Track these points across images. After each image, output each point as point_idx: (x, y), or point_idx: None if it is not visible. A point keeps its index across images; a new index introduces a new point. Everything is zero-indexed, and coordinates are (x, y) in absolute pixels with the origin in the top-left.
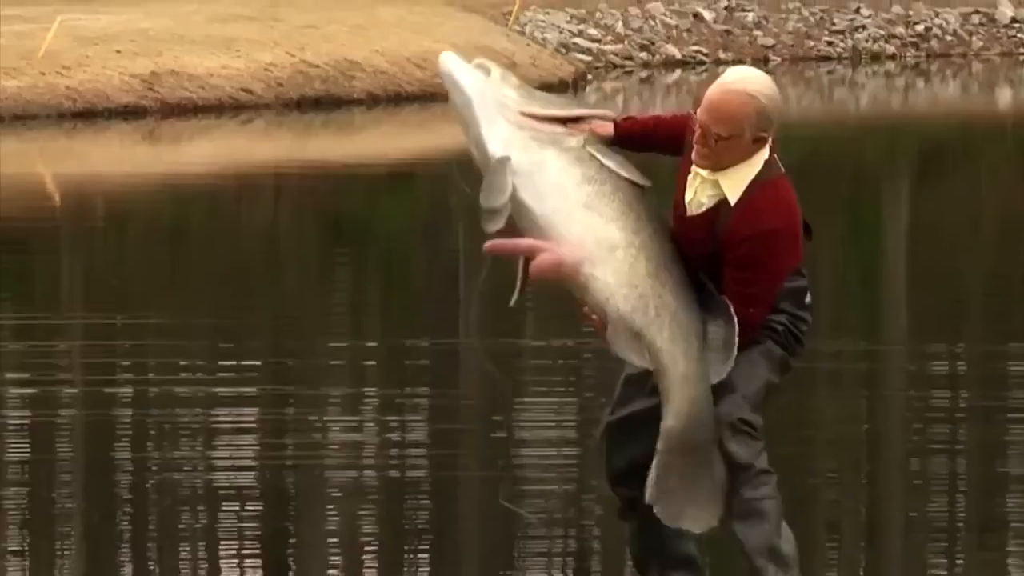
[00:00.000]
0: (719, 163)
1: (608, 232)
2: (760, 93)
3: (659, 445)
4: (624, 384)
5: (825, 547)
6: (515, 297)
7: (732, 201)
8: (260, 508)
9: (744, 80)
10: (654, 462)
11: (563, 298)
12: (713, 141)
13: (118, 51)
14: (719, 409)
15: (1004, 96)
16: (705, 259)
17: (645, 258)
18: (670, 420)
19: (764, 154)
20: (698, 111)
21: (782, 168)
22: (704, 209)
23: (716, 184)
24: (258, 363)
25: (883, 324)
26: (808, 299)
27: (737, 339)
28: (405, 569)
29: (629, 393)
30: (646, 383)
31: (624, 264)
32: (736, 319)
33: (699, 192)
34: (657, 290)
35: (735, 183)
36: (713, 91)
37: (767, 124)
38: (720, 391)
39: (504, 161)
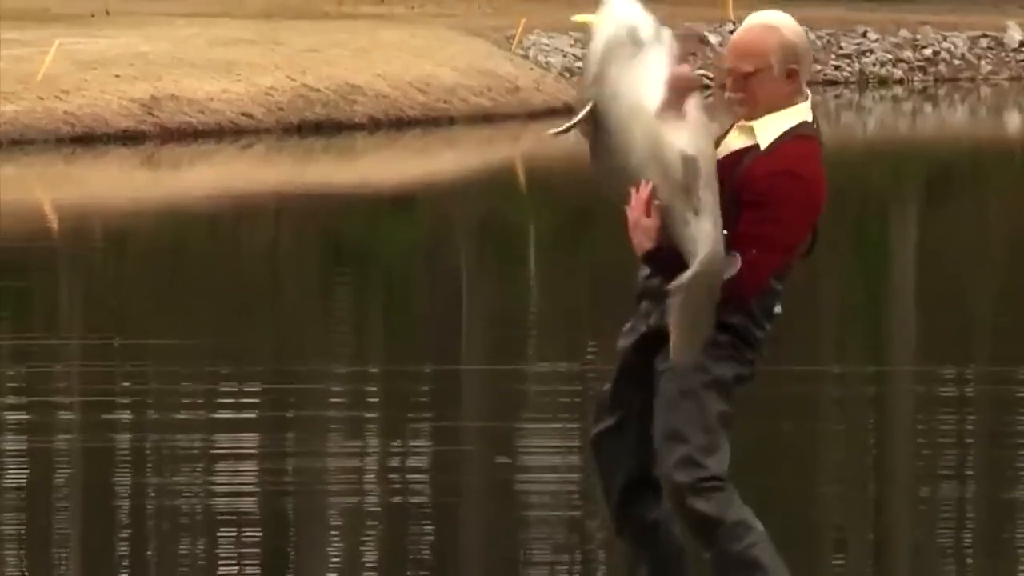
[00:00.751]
0: (755, 106)
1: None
2: (781, 24)
3: (685, 278)
4: (596, 404)
5: (832, 572)
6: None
7: (763, 146)
8: (260, 534)
9: (763, 16)
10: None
11: (564, 322)
12: (742, 79)
13: (117, 75)
14: (672, 469)
15: (1013, 120)
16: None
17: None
18: (697, 266)
19: (804, 111)
20: (726, 60)
21: (820, 137)
22: (731, 151)
23: (751, 131)
24: (258, 387)
25: (891, 346)
26: (778, 309)
27: (734, 269)
28: None
29: (599, 411)
30: (610, 402)
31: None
32: (739, 259)
33: (732, 140)
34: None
35: (769, 130)
36: (735, 34)
37: (794, 56)
38: (670, 440)
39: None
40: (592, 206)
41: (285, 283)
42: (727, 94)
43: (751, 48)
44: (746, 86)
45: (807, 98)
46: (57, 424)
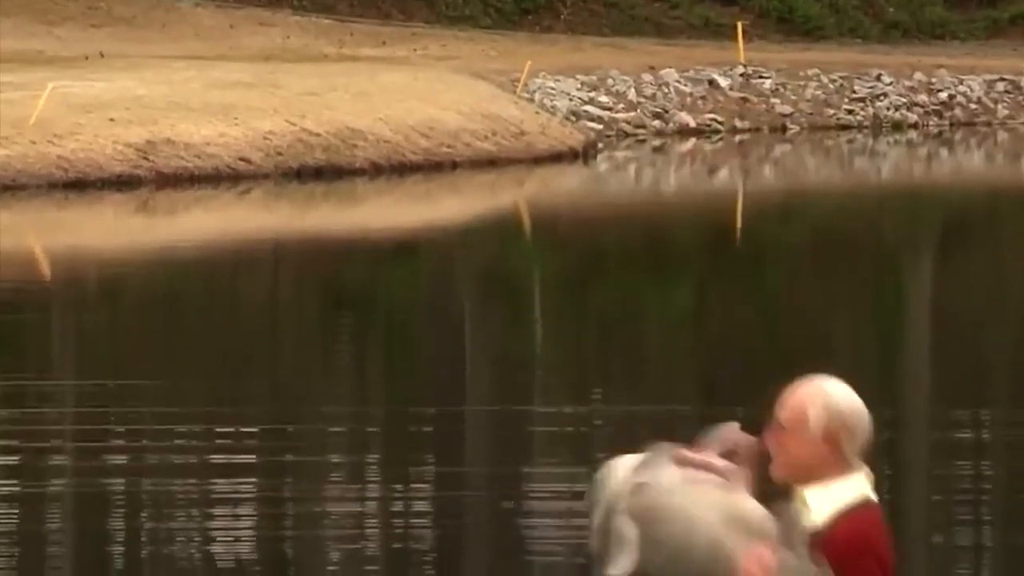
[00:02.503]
0: (793, 469)
1: None
2: (834, 390)
3: None
4: None
5: None
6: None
7: (818, 523)
8: None
9: (821, 378)
10: None
11: (569, 366)
12: (778, 433)
13: (112, 119)
14: None
15: None
16: None
17: None
18: None
19: (863, 486)
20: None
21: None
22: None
23: (804, 500)
24: (256, 430)
25: (906, 391)
26: None
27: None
28: None
29: None
30: None
31: None
32: None
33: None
34: None
35: (823, 505)
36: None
37: (840, 425)
38: None
39: None
40: (596, 251)
41: (284, 328)
42: (768, 442)
43: (793, 400)
44: (780, 439)
45: (862, 471)
46: (50, 468)
